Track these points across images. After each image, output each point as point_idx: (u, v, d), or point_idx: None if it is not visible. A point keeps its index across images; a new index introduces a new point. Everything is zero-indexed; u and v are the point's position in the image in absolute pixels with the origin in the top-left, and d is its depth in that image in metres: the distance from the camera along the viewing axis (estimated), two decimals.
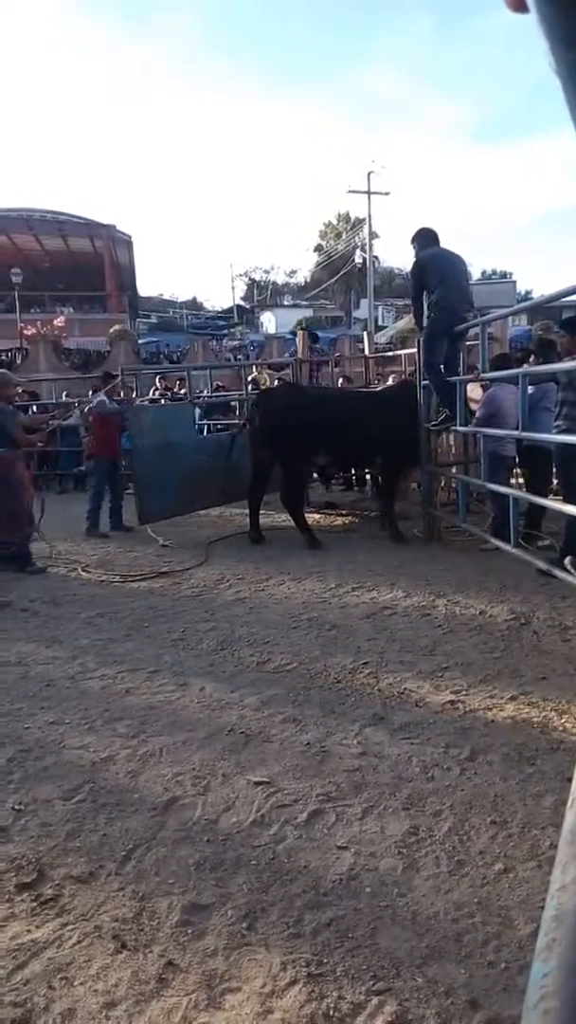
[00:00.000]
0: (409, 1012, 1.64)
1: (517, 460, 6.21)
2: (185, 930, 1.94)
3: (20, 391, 11.24)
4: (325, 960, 1.81)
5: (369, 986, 1.72)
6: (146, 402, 10.69)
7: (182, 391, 12.30)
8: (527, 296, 29.92)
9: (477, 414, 5.99)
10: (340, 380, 10.66)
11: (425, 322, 6.29)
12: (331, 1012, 1.65)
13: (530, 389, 5.03)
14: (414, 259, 6.29)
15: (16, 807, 2.57)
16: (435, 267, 6.07)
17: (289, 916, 1.98)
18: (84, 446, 9.61)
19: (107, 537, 7.54)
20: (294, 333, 10.64)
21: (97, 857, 2.28)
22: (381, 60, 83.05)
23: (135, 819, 2.47)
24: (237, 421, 10.28)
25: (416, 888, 2.06)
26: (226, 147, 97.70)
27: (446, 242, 6.38)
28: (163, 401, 11.69)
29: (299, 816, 2.44)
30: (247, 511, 7.20)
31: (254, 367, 10.67)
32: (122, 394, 8.67)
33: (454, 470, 7.04)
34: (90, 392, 9.59)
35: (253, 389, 9.54)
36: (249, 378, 10.07)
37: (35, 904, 2.07)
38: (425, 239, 6.28)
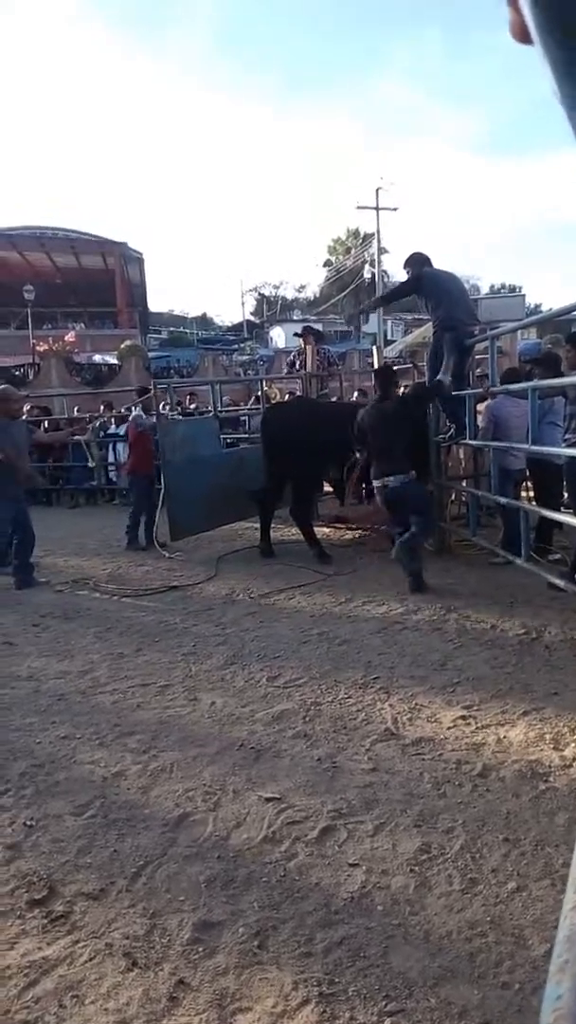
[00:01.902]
0: None
1: (527, 473, 6.19)
2: (196, 948, 1.94)
3: (28, 407, 11.23)
4: (337, 980, 1.80)
5: (381, 1007, 1.71)
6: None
7: (192, 406, 12.36)
8: (536, 310, 29.93)
9: (480, 424, 6.00)
10: (355, 394, 10.67)
11: (431, 339, 6.32)
12: None
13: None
14: (411, 279, 6.30)
15: (28, 822, 2.57)
16: (438, 284, 6.10)
17: (300, 934, 1.96)
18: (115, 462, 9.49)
19: (145, 550, 7.54)
20: (299, 334, 10.50)
21: (108, 874, 2.27)
22: (390, 74, 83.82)
23: (146, 835, 2.47)
24: (246, 435, 10.32)
25: (428, 907, 2.05)
26: (236, 163, 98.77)
27: (456, 256, 6.44)
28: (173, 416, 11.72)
29: (310, 833, 2.43)
30: (257, 525, 7.21)
31: (264, 382, 10.67)
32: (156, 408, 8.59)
33: (464, 483, 7.03)
34: (132, 407, 9.51)
35: (267, 403, 9.55)
36: (259, 392, 10.08)
37: (46, 921, 2.07)
38: (418, 263, 6.32)
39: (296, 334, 11.18)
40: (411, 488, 5.63)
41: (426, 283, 6.16)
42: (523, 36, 0.46)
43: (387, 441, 5.60)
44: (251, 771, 2.87)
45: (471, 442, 6.37)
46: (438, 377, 5.87)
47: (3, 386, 6.58)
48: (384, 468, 5.60)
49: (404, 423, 5.69)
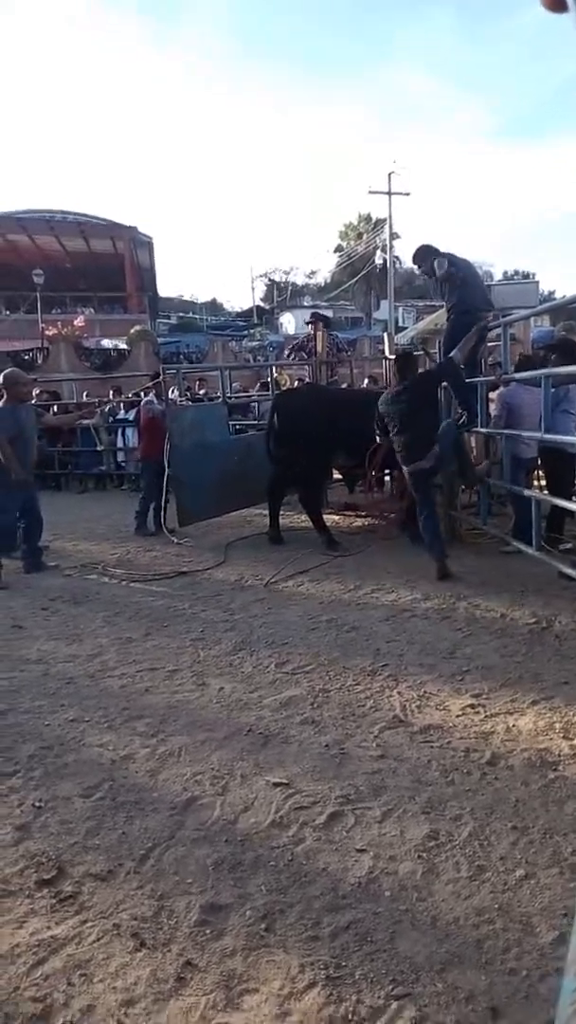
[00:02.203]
0: (428, 1018, 1.63)
1: (539, 462, 6.14)
2: (203, 930, 1.94)
3: (37, 391, 11.17)
4: (344, 963, 1.80)
5: (388, 991, 1.71)
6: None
7: (201, 391, 12.33)
8: (550, 296, 29.63)
9: (493, 412, 5.95)
10: (366, 381, 10.62)
11: (446, 324, 6.26)
12: (349, 1016, 1.64)
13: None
14: (438, 267, 6.14)
15: (37, 804, 2.59)
16: (462, 268, 6.04)
17: (307, 918, 1.97)
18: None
19: (154, 535, 7.51)
20: (309, 321, 10.41)
21: (116, 855, 2.28)
22: (404, 60, 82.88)
23: (154, 818, 2.48)
24: (255, 422, 10.29)
25: (436, 893, 2.05)
26: (247, 149, 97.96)
27: (470, 241, 6.37)
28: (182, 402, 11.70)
29: (318, 818, 2.43)
30: (266, 512, 7.20)
31: (274, 368, 10.62)
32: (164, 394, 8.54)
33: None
34: (142, 393, 9.47)
35: (276, 390, 9.51)
36: (268, 378, 10.03)
37: (55, 901, 2.08)
38: (430, 252, 6.23)
39: (306, 322, 11.10)
40: (445, 457, 5.60)
41: (450, 263, 6.05)
42: (557, 4, 0.44)
43: (414, 427, 5.59)
44: (259, 756, 2.87)
45: (482, 430, 6.33)
46: (450, 355, 5.81)
47: (11, 369, 6.50)
48: (415, 454, 5.59)
49: (427, 407, 5.69)
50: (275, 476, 7.04)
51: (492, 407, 6.08)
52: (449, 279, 6.09)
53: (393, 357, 7.09)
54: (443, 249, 6.26)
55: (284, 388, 10.31)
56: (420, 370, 6.26)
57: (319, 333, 9.41)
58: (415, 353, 8.32)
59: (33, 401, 8.14)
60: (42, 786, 2.72)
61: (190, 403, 10.66)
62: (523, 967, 1.77)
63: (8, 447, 5.93)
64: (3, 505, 6.02)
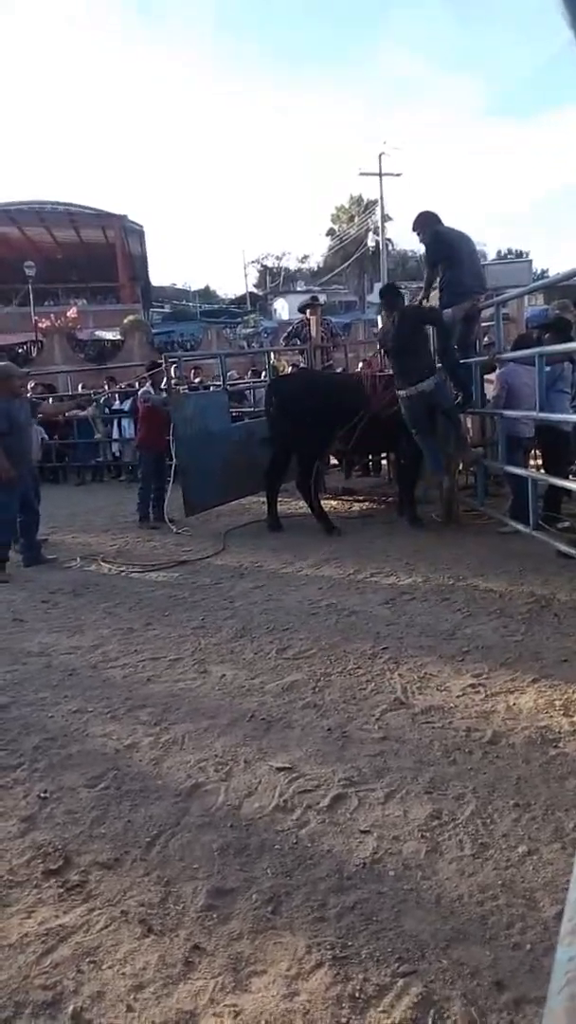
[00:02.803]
0: (435, 994, 1.65)
1: (535, 440, 6.13)
2: (210, 914, 1.96)
3: (32, 384, 11.05)
4: (350, 943, 1.82)
5: (394, 968, 1.73)
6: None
7: (196, 379, 12.28)
8: (543, 275, 29.44)
9: (492, 395, 5.93)
10: (360, 365, 10.57)
11: (436, 304, 6.21)
12: (357, 994, 1.66)
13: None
14: (429, 238, 6.14)
15: (42, 795, 2.61)
16: (449, 244, 5.98)
17: (313, 900, 1.99)
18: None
19: (157, 528, 7.47)
20: (303, 311, 10.38)
21: (122, 843, 2.30)
22: (392, 39, 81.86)
23: (159, 805, 2.49)
24: (251, 409, 10.26)
25: (440, 871, 2.07)
26: (235, 134, 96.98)
27: (462, 221, 6.31)
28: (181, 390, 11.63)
29: (322, 801, 2.45)
30: (262, 500, 7.20)
31: (272, 354, 10.56)
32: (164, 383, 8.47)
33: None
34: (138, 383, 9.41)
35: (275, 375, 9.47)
36: (267, 364, 9.98)
37: (62, 890, 2.10)
38: (429, 222, 6.16)
39: (300, 308, 11.04)
40: (443, 391, 5.80)
41: (434, 241, 6.02)
42: None
43: (408, 350, 5.79)
44: (262, 741, 2.89)
45: (479, 410, 6.33)
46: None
47: (2, 363, 6.43)
48: (412, 377, 5.77)
49: (419, 334, 5.85)
50: (272, 463, 7.03)
51: (492, 387, 6.06)
52: (436, 251, 6.07)
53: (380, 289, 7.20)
54: (446, 223, 6.20)
55: (281, 374, 10.27)
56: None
57: (314, 318, 9.36)
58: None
59: (29, 395, 8.03)
60: (47, 777, 2.74)
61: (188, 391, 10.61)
62: (527, 941, 1.79)
63: (7, 429, 5.82)
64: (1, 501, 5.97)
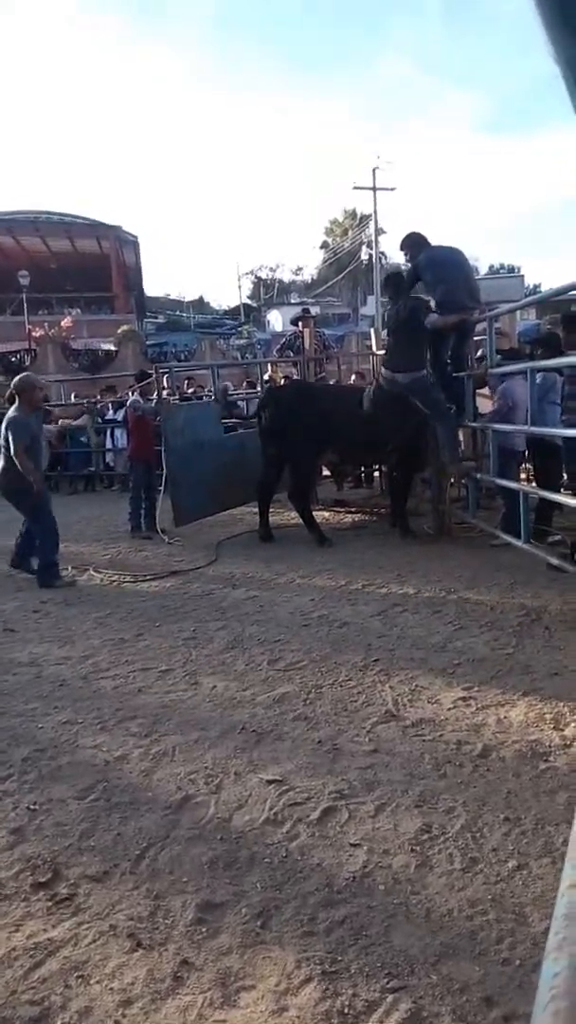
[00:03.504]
0: (424, 1010, 1.64)
1: (526, 454, 6.17)
2: (199, 928, 1.95)
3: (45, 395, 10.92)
4: (339, 958, 1.82)
5: (384, 984, 1.72)
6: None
7: (190, 390, 12.30)
8: (535, 290, 29.72)
9: (493, 408, 5.96)
10: (353, 377, 10.63)
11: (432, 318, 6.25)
12: (346, 1010, 1.66)
13: (538, 377, 5.02)
14: (420, 263, 6.20)
15: (31, 807, 2.59)
16: (432, 269, 6.02)
17: (303, 914, 1.98)
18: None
19: (149, 539, 7.45)
20: (296, 323, 10.48)
21: (111, 856, 2.29)
22: (389, 53, 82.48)
23: (149, 818, 2.48)
24: (244, 419, 10.27)
25: (430, 885, 2.06)
26: (231, 145, 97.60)
27: (454, 236, 6.35)
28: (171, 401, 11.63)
29: (312, 814, 2.44)
30: (254, 510, 7.20)
31: (269, 366, 10.59)
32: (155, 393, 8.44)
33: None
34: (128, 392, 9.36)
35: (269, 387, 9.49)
36: (265, 376, 10.01)
37: (51, 903, 2.09)
38: (415, 245, 6.20)
39: (292, 322, 11.11)
40: (421, 390, 6.00)
41: (423, 266, 6.07)
42: None
43: (399, 337, 6.12)
44: (252, 754, 2.88)
45: (472, 424, 6.37)
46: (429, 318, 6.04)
47: (26, 374, 6.20)
48: (392, 363, 6.13)
49: (414, 322, 6.03)
50: (264, 474, 7.05)
51: (493, 401, 6.10)
52: (417, 276, 6.15)
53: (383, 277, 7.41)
54: (434, 242, 6.24)
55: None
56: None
57: (307, 331, 9.41)
58: None
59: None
60: (36, 789, 2.72)
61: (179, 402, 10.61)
62: (516, 957, 1.79)
63: (25, 456, 5.60)
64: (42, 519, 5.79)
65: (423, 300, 6.15)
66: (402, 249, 6.38)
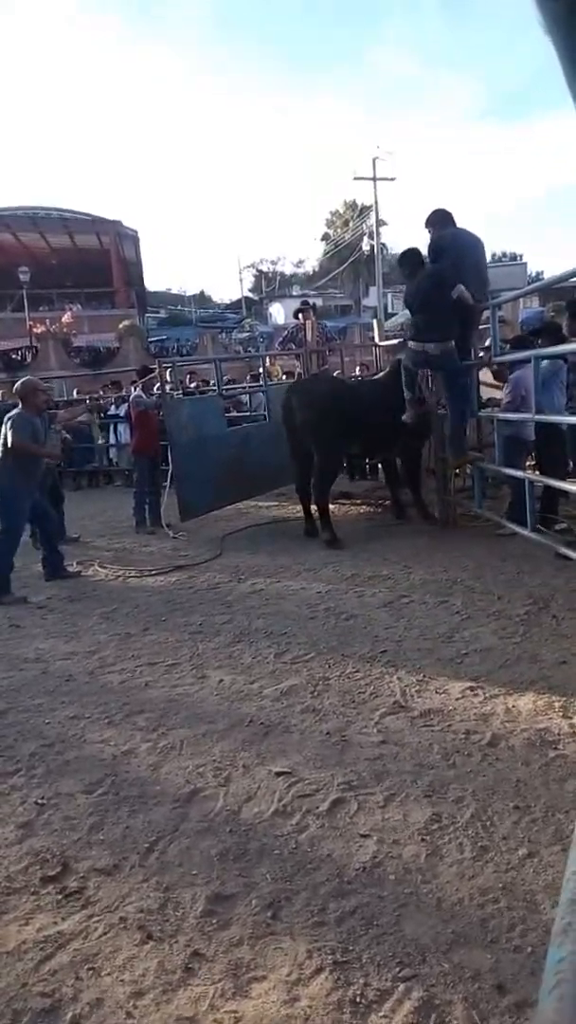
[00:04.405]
0: (436, 998, 1.64)
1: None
2: (210, 920, 1.95)
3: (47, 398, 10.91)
4: (351, 948, 1.81)
5: (395, 973, 1.72)
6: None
7: (192, 384, 12.29)
8: (538, 277, 29.58)
9: (505, 398, 5.91)
10: (357, 368, 10.61)
11: None
12: (358, 999, 1.65)
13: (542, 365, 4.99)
14: (432, 242, 6.16)
15: (39, 801, 2.59)
16: (451, 249, 5.97)
17: (313, 905, 1.98)
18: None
19: (154, 533, 7.44)
20: (297, 316, 10.48)
21: (120, 849, 2.29)
22: (385, 45, 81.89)
23: (157, 811, 2.48)
24: (248, 413, 10.26)
25: (440, 875, 2.06)
26: (231, 138, 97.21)
27: (463, 224, 6.27)
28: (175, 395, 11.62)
29: (321, 805, 2.44)
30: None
31: (268, 359, 10.57)
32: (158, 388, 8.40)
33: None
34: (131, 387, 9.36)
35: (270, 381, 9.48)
36: (260, 370, 9.99)
37: (60, 897, 2.09)
38: (441, 221, 6.15)
39: (294, 314, 11.07)
40: (447, 360, 5.88)
41: (442, 246, 6.00)
42: None
43: (429, 307, 5.92)
44: (260, 746, 2.88)
45: (478, 413, 6.34)
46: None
47: (28, 377, 6.20)
48: (424, 335, 5.93)
49: (442, 291, 5.84)
50: (299, 478, 6.97)
51: (504, 392, 6.06)
52: (439, 251, 6.07)
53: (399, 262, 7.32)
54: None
55: (276, 380, 10.29)
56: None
57: (308, 322, 9.38)
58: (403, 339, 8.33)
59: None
60: (44, 783, 2.72)
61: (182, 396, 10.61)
62: (528, 944, 1.78)
63: (31, 442, 5.62)
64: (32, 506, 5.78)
65: (444, 268, 6.02)
66: (427, 225, 6.28)
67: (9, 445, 5.53)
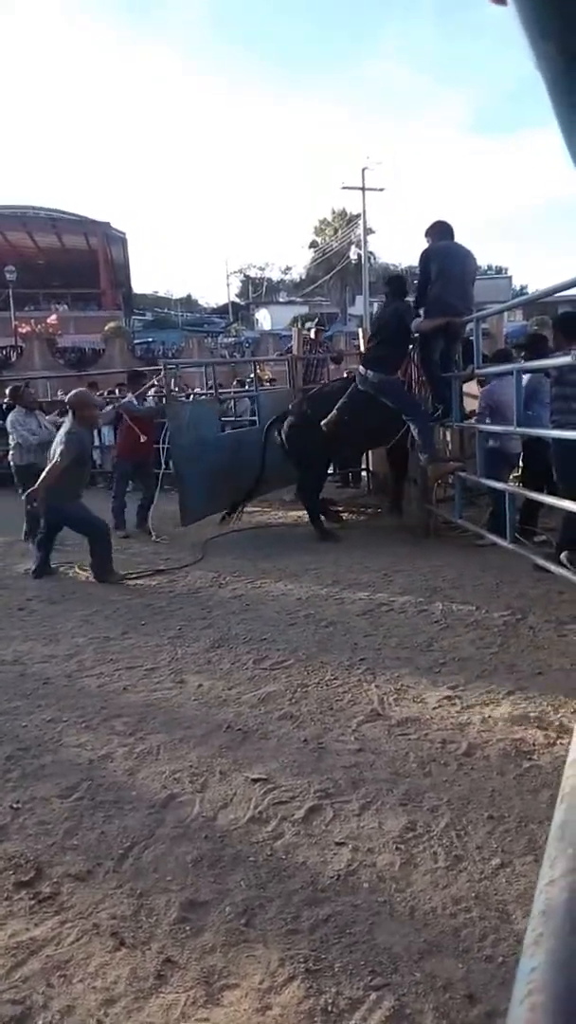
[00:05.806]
0: (407, 1007, 1.65)
1: (521, 457, 6.19)
2: (183, 927, 1.95)
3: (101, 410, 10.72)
4: (323, 956, 1.82)
5: (367, 981, 1.73)
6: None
7: (176, 389, 12.26)
8: (523, 291, 29.93)
9: (477, 409, 5.99)
10: (345, 374, 10.72)
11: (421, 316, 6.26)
12: (329, 1008, 1.66)
13: (525, 379, 5.04)
14: (422, 253, 6.22)
15: (14, 805, 2.57)
16: (439, 260, 6.02)
17: (287, 912, 1.98)
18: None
19: (129, 537, 7.38)
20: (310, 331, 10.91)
21: (95, 855, 2.28)
22: (381, 54, 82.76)
23: (133, 817, 2.47)
24: (235, 418, 10.28)
25: (414, 883, 2.07)
26: (221, 143, 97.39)
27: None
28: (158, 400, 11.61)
29: (297, 812, 2.44)
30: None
31: (256, 364, 10.61)
32: (151, 393, 8.38)
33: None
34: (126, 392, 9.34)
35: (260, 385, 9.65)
36: (250, 376, 10.03)
37: (33, 902, 2.07)
38: (440, 233, 6.22)
39: (314, 332, 11.39)
40: (390, 391, 6.20)
41: (430, 256, 6.07)
42: None
43: (379, 337, 6.36)
44: (237, 752, 2.88)
45: (460, 424, 6.39)
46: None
47: (81, 390, 6.23)
48: (368, 362, 6.33)
49: (397, 325, 6.18)
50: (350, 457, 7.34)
51: (478, 404, 6.13)
52: (420, 271, 6.15)
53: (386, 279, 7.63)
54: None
55: (265, 384, 10.37)
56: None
57: (295, 330, 9.49)
58: None
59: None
60: (19, 787, 2.70)
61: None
62: (499, 954, 1.79)
63: (63, 469, 5.57)
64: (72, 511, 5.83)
65: (408, 304, 6.24)
66: (427, 235, 6.34)
67: (55, 462, 5.57)
